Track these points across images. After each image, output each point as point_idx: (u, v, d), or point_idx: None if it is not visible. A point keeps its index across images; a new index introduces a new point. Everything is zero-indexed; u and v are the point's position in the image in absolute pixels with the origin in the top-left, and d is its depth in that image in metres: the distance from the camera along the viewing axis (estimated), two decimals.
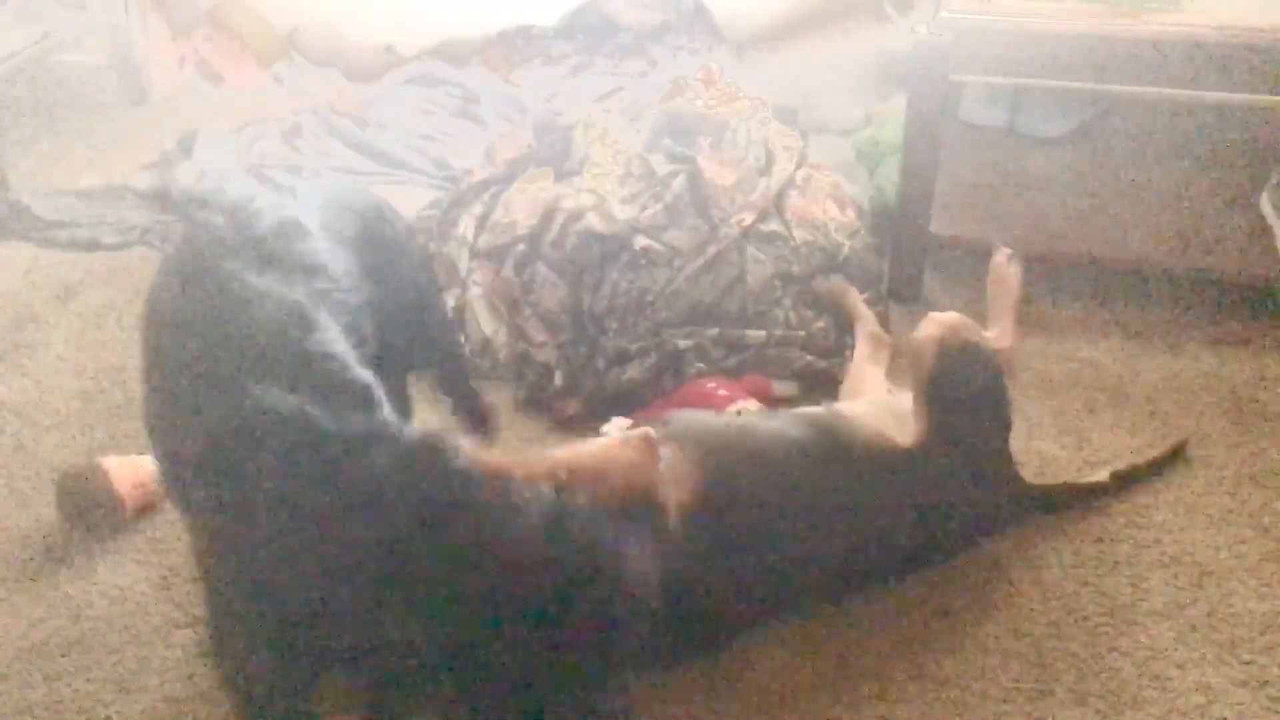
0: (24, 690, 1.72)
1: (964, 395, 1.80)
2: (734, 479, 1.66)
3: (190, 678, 1.72)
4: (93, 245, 2.89)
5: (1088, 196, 2.64)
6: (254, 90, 3.71)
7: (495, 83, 3.22)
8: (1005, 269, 2.19)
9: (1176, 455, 2.06)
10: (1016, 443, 1.93)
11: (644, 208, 2.34)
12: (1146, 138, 2.86)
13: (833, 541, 1.71)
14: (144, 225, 2.94)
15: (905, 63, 2.37)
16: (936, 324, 1.84)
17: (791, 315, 2.31)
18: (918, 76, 2.31)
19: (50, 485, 2.02)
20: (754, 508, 1.66)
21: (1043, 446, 2.10)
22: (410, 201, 2.60)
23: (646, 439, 1.57)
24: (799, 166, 2.54)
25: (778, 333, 2.26)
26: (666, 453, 1.63)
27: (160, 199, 3.03)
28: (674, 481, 1.61)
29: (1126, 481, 1.99)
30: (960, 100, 2.95)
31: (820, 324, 2.31)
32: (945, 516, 1.79)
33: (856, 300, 2.32)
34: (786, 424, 1.78)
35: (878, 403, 1.91)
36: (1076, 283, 2.55)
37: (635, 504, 1.53)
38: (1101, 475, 1.98)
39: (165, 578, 1.89)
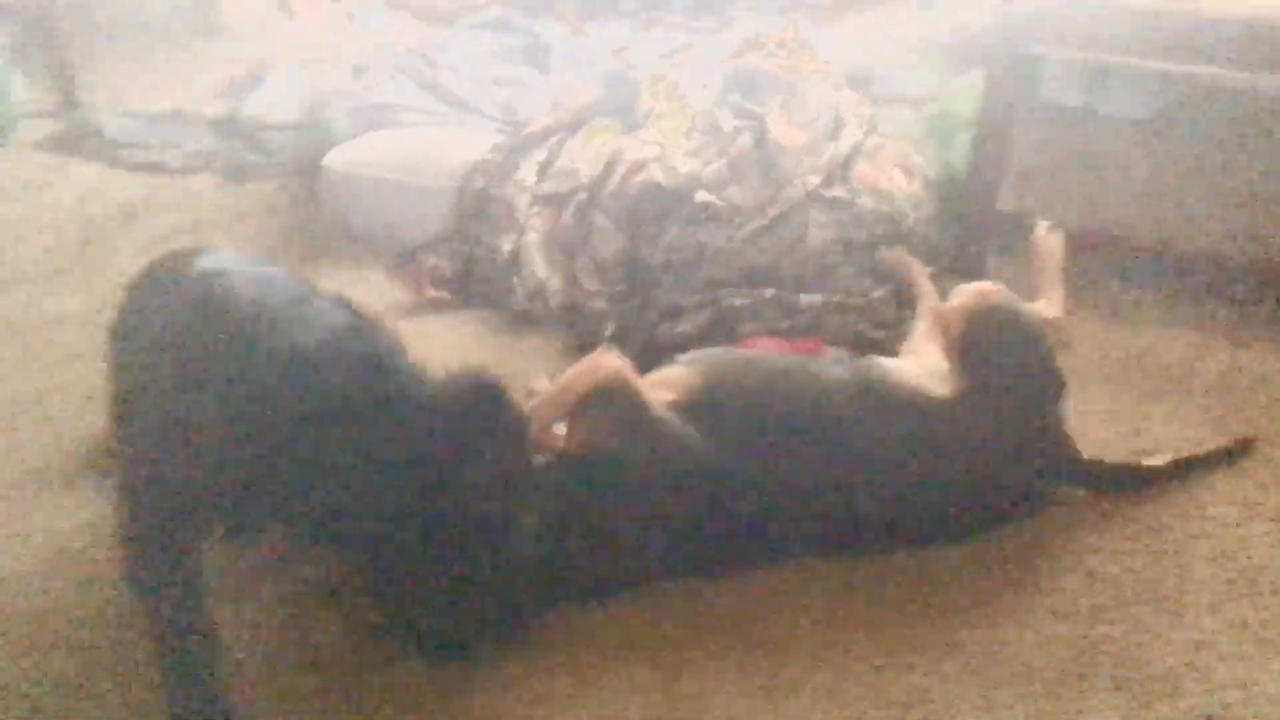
0: (71, 588, 1.74)
1: (997, 357, 1.81)
2: (737, 387, 1.76)
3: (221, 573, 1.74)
4: (158, 168, 2.92)
5: (1163, 183, 2.58)
6: (326, 27, 3.72)
7: (566, 33, 3.20)
8: (1046, 241, 2.17)
9: (1239, 451, 2.01)
10: (1071, 424, 1.90)
11: (707, 163, 2.32)
12: (1229, 127, 2.78)
13: (849, 467, 1.73)
14: (210, 151, 2.97)
15: (983, 36, 2.32)
16: (964, 293, 1.88)
17: (850, 282, 2.27)
18: (997, 48, 2.26)
19: (103, 395, 2.05)
20: (755, 408, 1.74)
21: (1096, 432, 2.05)
22: (474, 146, 2.60)
23: (610, 350, 1.78)
24: (869, 134, 2.50)
25: (835, 299, 2.22)
26: (680, 371, 1.78)
27: (227, 127, 3.05)
28: (670, 387, 1.75)
29: (1185, 470, 1.94)
30: (1039, 78, 2.89)
31: (879, 293, 2.27)
32: (980, 471, 1.77)
33: (919, 274, 2.27)
34: (813, 360, 1.86)
35: (921, 364, 1.90)
36: (1144, 269, 2.49)
37: (610, 397, 1.70)
38: (1160, 461, 1.94)
39: None
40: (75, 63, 3.19)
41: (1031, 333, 1.86)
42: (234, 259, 1.72)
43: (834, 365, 1.87)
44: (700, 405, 1.73)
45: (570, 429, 1.77)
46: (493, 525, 1.55)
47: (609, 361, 1.74)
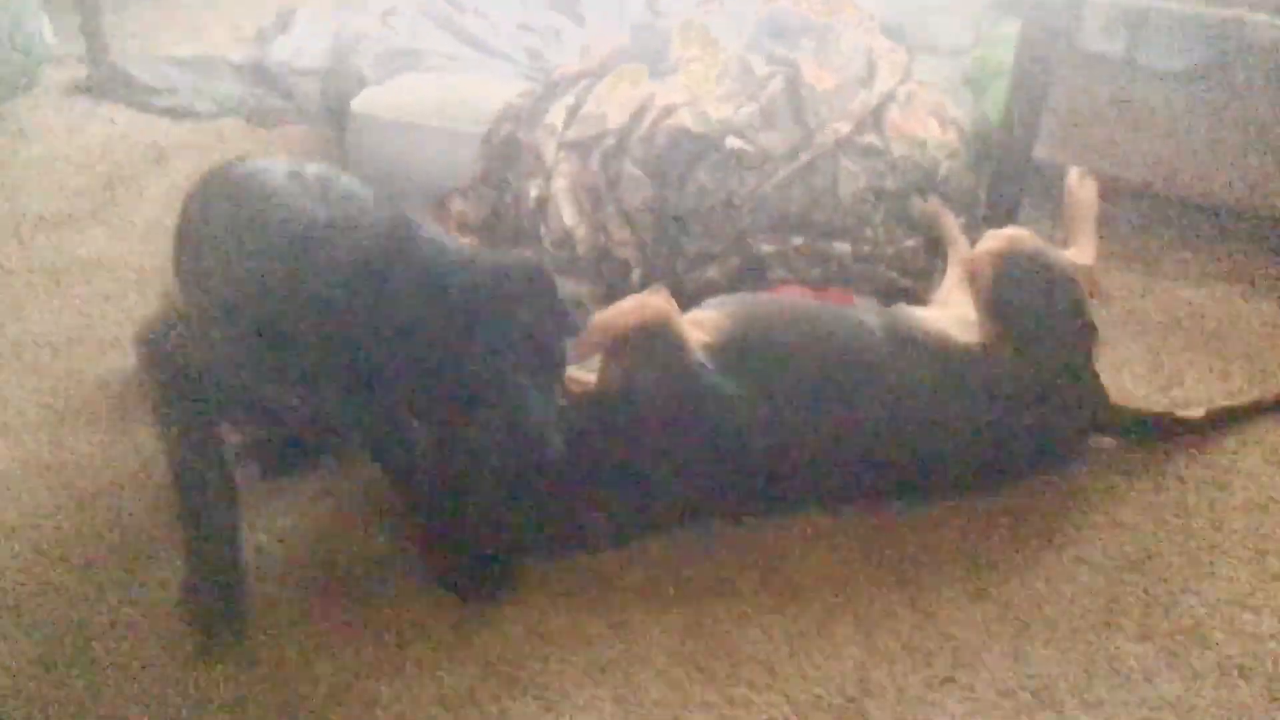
0: (93, 524, 1.76)
1: (1028, 303, 1.79)
2: (767, 329, 1.75)
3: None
4: (187, 112, 2.92)
5: (1204, 135, 2.52)
6: None
7: None
8: (1079, 187, 2.13)
9: (1277, 405, 1.97)
10: (1104, 376, 1.87)
11: (738, 108, 2.28)
12: (1272, 78, 2.71)
13: (884, 417, 1.72)
14: (238, 96, 2.95)
15: None
16: (996, 238, 1.86)
17: (881, 231, 2.24)
18: None
19: (131, 335, 2.05)
20: (785, 350, 1.73)
21: (1131, 384, 2.03)
22: (502, 91, 2.57)
23: (660, 290, 1.78)
24: (902, 82, 2.45)
25: (865, 247, 2.20)
26: (709, 313, 1.78)
27: (255, 72, 3.04)
28: (703, 327, 1.74)
29: (1222, 421, 1.92)
30: (1078, 26, 2.82)
31: (910, 243, 2.24)
32: (1015, 417, 1.75)
33: (952, 224, 2.24)
34: (845, 305, 1.85)
35: (949, 312, 1.89)
36: (1183, 222, 2.45)
37: (652, 337, 1.69)
38: (1197, 412, 1.91)
39: None
40: (103, 8, 3.17)
41: (1063, 279, 1.83)
42: (282, 163, 1.75)
43: (862, 311, 1.85)
44: (731, 349, 1.72)
45: (603, 366, 1.77)
46: (528, 405, 1.57)
47: (656, 301, 1.74)
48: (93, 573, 1.68)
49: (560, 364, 1.67)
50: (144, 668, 1.54)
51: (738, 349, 1.71)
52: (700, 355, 1.70)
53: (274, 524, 1.75)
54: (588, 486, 1.68)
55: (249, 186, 1.64)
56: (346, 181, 1.67)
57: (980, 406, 1.74)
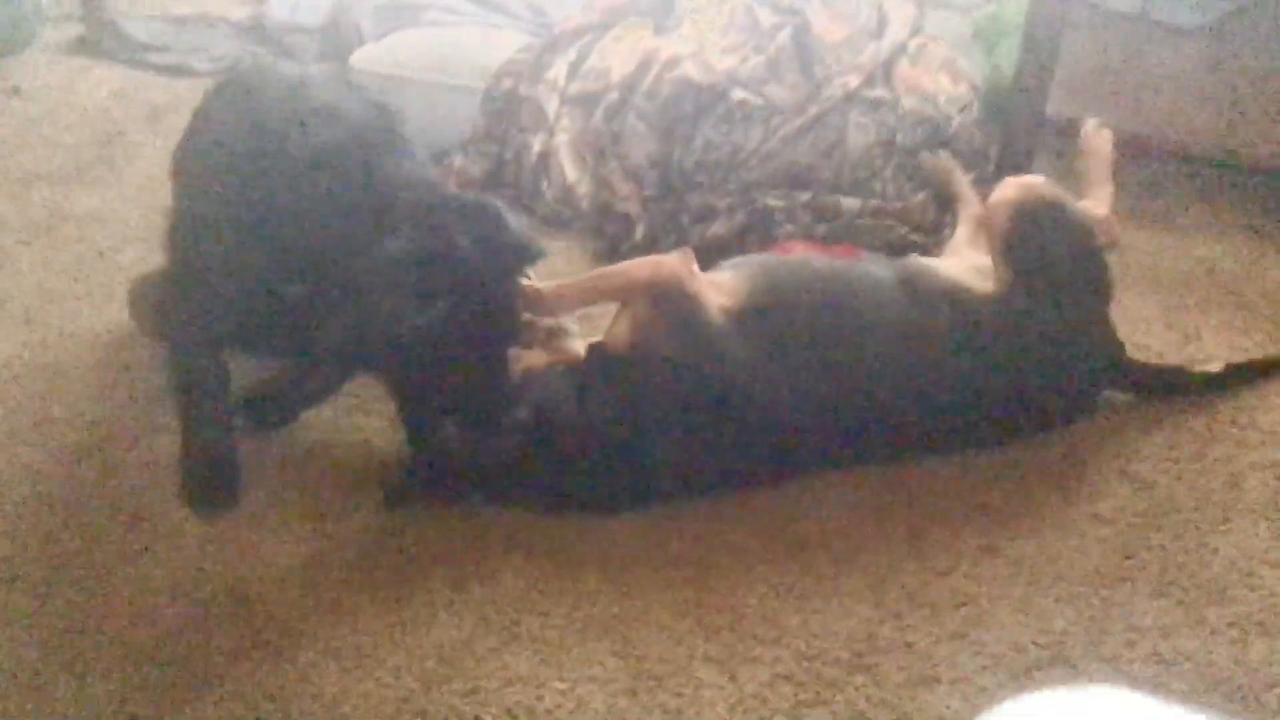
0: (85, 476, 1.72)
1: (1044, 252, 1.75)
2: (786, 291, 1.71)
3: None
4: (183, 70, 2.86)
5: (1220, 92, 2.46)
6: None
7: None
8: (1095, 138, 2.09)
9: None
10: (1121, 332, 1.83)
11: (744, 59, 2.23)
12: None
13: (902, 373, 1.68)
14: (235, 54, 2.90)
15: None
16: (1013, 186, 1.82)
17: (890, 187, 2.19)
18: None
19: (124, 291, 2.01)
20: (805, 314, 1.69)
21: (1149, 340, 1.98)
22: (503, 46, 2.52)
23: (683, 251, 1.72)
24: (913, 35, 2.40)
25: (874, 202, 2.15)
26: (726, 275, 1.72)
27: (254, 30, 2.99)
28: (720, 290, 1.68)
29: (1240, 376, 1.87)
30: None
31: (919, 198, 2.19)
32: (1030, 369, 1.71)
33: (962, 180, 2.19)
34: (863, 260, 1.81)
35: (963, 262, 1.84)
36: (1199, 178, 2.40)
37: (668, 295, 1.64)
38: (1214, 366, 1.87)
39: None
40: None
41: (1079, 228, 1.79)
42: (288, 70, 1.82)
43: (878, 265, 1.80)
44: (750, 312, 1.67)
45: (616, 326, 1.71)
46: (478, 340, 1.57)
47: (671, 260, 1.69)
48: (85, 525, 1.65)
49: (506, 307, 1.63)
50: (135, 623, 1.51)
51: (757, 312, 1.67)
52: (719, 318, 1.65)
53: (268, 479, 1.72)
54: (595, 445, 1.64)
55: (249, 91, 1.73)
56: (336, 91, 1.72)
57: (997, 355, 1.70)
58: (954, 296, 1.72)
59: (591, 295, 1.76)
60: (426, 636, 1.49)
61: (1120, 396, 1.85)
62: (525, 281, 1.71)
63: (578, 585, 1.56)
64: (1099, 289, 1.78)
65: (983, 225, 1.83)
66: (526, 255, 1.65)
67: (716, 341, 1.64)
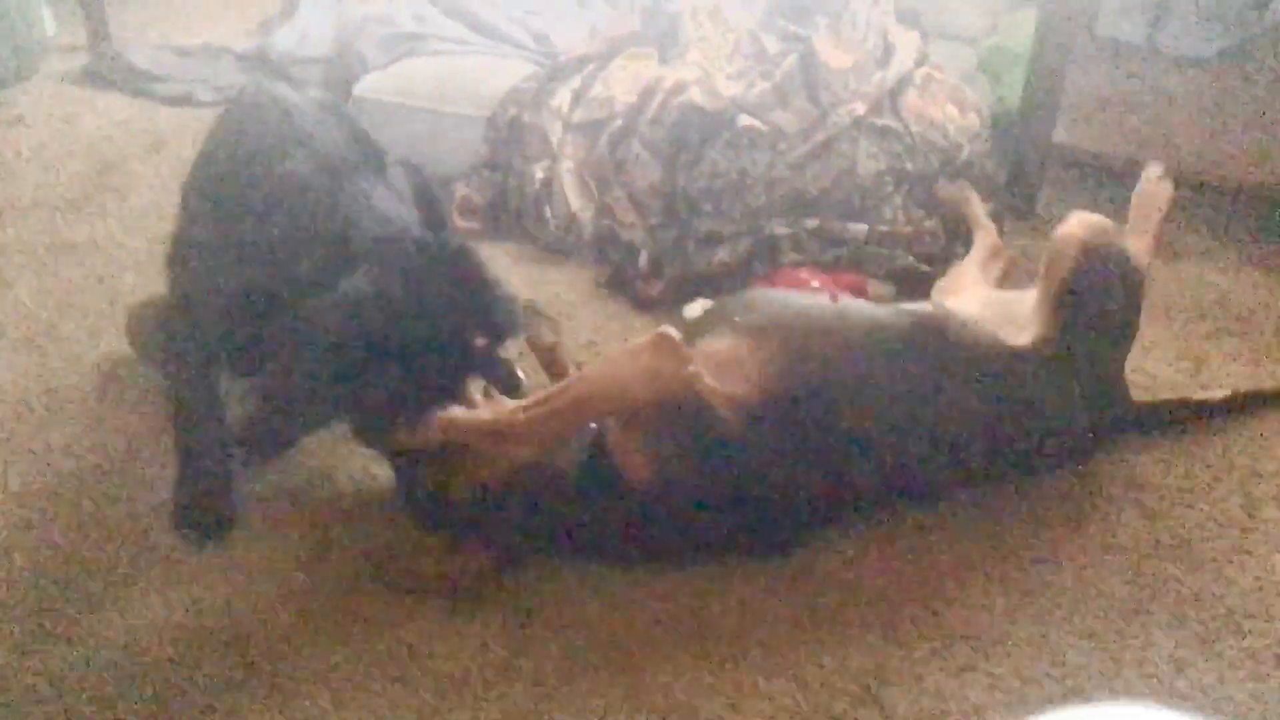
0: (78, 503, 1.69)
1: (1098, 303, 1.65)
2: (813, 371, 1.55)
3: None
4: (187, 100, 2.86)
5: (1229, 121, 2.45)
6: None
7: None
8: (1155, 186, 1.95)
9: None
10: (1131, 361, 1.80)
11: (751, 85, 2.22)
12: None
13: (929, 449, 1.62)
14: (240, 85, 2.89)
15: None
16: (1083, 224, 1.68)
17: (901, 214, 2.17)
18: None
19: (123, 318, 1.99)
20: (837, 405, 1.55)
21: (1157, 368, 1.95)
22: (507, 74, 2.51)
23: (663, 339, 1.48)
24: (919, 64, 2.39)
25: (882, 228, 2.12)
26: (726, 342, 1.57)
27: (259, 61, 2.99)
28: (723, 368, 1.53)
29: (1248, 402, 1.84)
30: (1097, 13, 2.76)
31: (929, 225, 2.17)
32: (1052, 425, 1.67)
33: (978, 206, 2.16)
34: (888, 314, 1.67)
35: (992, 302, 1.78)
36: (1209, 209, 2.38)
37: (677, 406, 1.47)
38: (1219, 393, 1.83)
39: None
40: None
41: (1137, 280, 1.70)
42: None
43: (899, 316, 1.66)
44: (761, 401, 1.51)
45: (631, 452, 1.51)
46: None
47: (664, 361, 1.47)
48: (78, 553, 1.62)
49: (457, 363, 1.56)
50: (128, 650, 1.48)
51: (769, 400, 1.52)
52: (734, 420, 1.49)
53: (265, 506, 1.69)
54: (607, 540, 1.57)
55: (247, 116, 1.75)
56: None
57: (1023, 411, 1.64)
58: (987, 355, 1.62)
59: (574, 418, 1.50)
60: (423, 668, 1.46)
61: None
62: (470, 416, 1.52)
63: (578, 616, 1.52)
64: (1129, 340, 1.72)
65: (1047, 259, 1.69)
66: (498, 314, 1.55)
67: (735, 450, 1.50)
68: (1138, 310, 1.73)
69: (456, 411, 1.50)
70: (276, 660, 1.46)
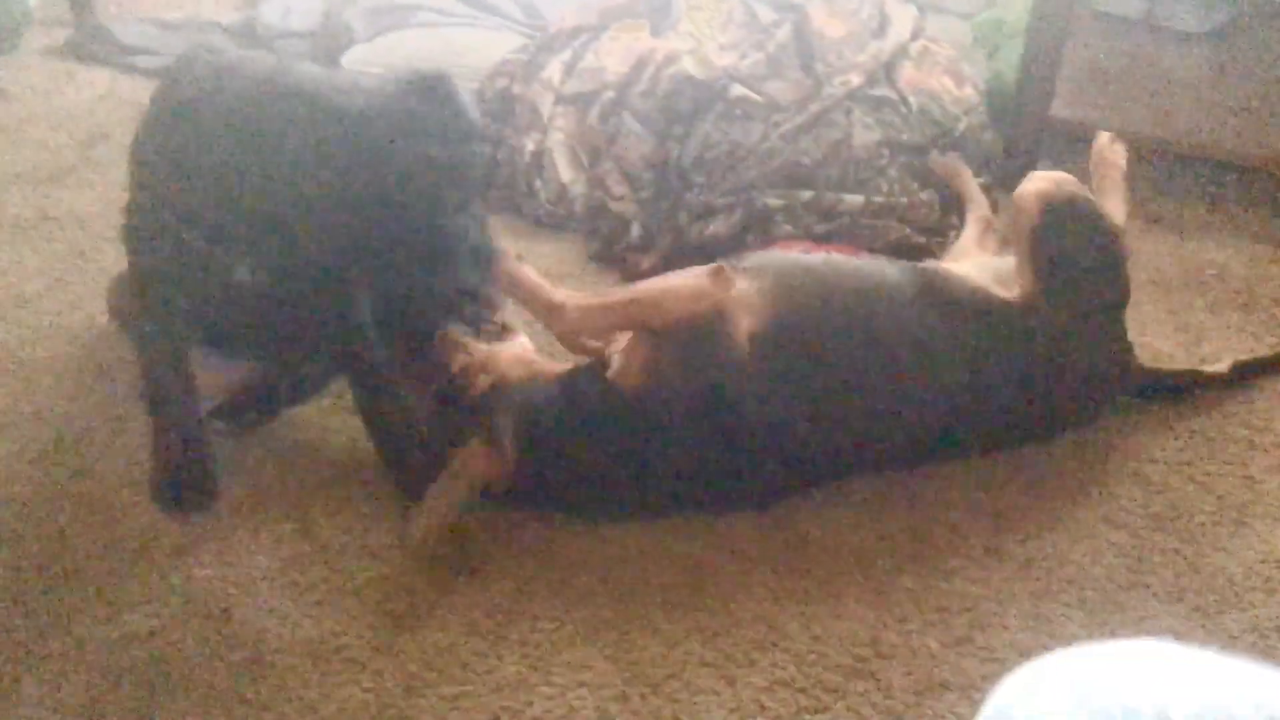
0: (59, 476, 1.66)
1: (1071, 252, 1.65)
2: (813, 311, 1.57)
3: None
4: None
5: (1227, 95, 2.43)
6: None
7: None
8: (1108, 150, 1.97)
9: None
10: (1130, 335, 1.77)
11: (744, 55, 2.18)
12: None
13: (924, 391, 1.59)
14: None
15: None
16: (1042, 179, 1.71)
17: (896, 186, 2.14)
18: None
19: (103, 290, 1.95)
20: (833, 342, 1.56)
21: (1157, 343, 1.93)
22: (496, 46, 2.47)
23: (720, 269, 1.54)
24: (916, 38, 2.36)
25: (877, 199, 2.09)
26: (742, 284, 1.57)
27: (244, 34, 2.94)
28: (748, 310, 1.54)
29: (1247, 372, 1.82)
30: None
31: (924, 197, 2.14)
32: (1050, 378, 1.64)
33: (970, 181, 2.13)
34: (882, 264, 1.68)
35: (982, 264, 1.77)
36: (1207, 182, 2.35)
37: (700, 326, 1.51)
38: (1221, 366, 1.81)
39: None
40: None
41: (1106, 229, 1.70)
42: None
43: (896, 270, 1.66)
44: (772, 335, 1.54)
45: (633, 352, 1.56)
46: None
47: (719, 289, 1.53)
48: (55, 525, 1.58)
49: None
50: (106, 624, 1.44)
51: (779, 332, 1.54)
52: (745, 346, 1.53)
53: (248, 478, 1.65)
54: (589, 470, 1.57)
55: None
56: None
57: (1020, 365, 1.62)
58: (977, 305, 1.63)
59: (623, 322, 1.59)
60: (410, 640, 1.43)
61: (1130, 400, 1.79)
62: (534, 280, 1.63)
63: (568, 587, 1.50)
64: (1120, 296, 1.70)
65: (1013, 219, 1.72)
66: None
67: (741, 376, 1.52)
68: (1118, 262, 1.71)
69: (524, 270, 1.65)
70: (260, 633, 1.44)
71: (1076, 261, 1.65)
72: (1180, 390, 1.80)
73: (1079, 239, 1.66)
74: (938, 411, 1.60)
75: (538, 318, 1.66)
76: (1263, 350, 1.91)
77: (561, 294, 1.63)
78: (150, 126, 1.71)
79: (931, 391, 1.58)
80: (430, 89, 1.57)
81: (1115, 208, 1.89)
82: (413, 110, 1.56)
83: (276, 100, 1.58)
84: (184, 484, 1.57)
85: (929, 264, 1.74)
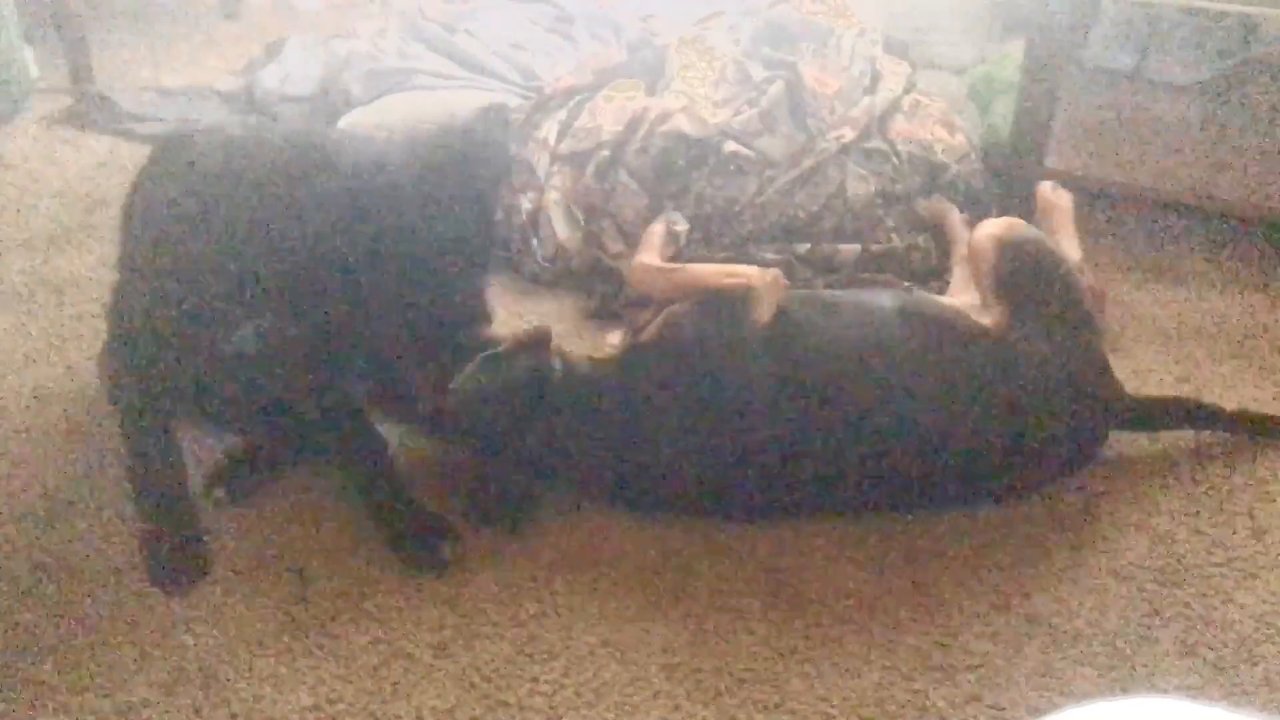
0: (50, 544, 1.64)
1: (1034, 288, 1.71)
2: (807, 318, 1.67)
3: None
4: None
5: (1218, 146, 2.44)
6: (347, 7, 3.65)
7: (592, 5, 3.10)
8: (1052, 195, 2.07)
9: None
10: (1129, 385, 1.77)
11: (737, 112, 2.20)
12: None
13: (909, 407, 1.61)
14: (225, 124, 2.87)
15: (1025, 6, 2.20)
16: (994, 225, 1.80)
17: (894, 235, 2.14)
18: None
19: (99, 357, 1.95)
20: (820, 335, 1.65)
21: (1160, 393, 1.91)
22: None
23: (767, 271, 1.70)
24: (908, 92, 2.37)
25: (875, 246, 2.09)
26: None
27: (244, 100, 2.97)
28: (769, 302, 1.66)
29: (1250, 427, 1.80)
30: (1085, 43, 2.76)
31: (920, 242, 2.14)
32: (1033, 409, 1.63)
33: (957, 223, 2.14)
34: (873, 293, 1.78)
35: (964, 297, 1.81)
36: (1204, 233, 2.36)
37: (730, 301, 1.64)
38: (1226, 405, 1.80)
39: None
40: (91, 42, 3.11)
41: (1062, 267, 1.77)
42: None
43: (884, 297, 1.74)
44: (777, 330, 1.64)
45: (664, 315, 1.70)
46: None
47: (761, 277, 1.67)
48: (46, 595, 1.56)
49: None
50: (100, 695, 1.42)
51: (783, 332, 1.64)
52: (757, 327, 1.63)
53: (241, 543, 1.64)
54: (605, 433, 1.63)
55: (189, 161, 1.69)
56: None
57: (1003, 391, 1.63)
58: (955, 324, 1.67)
59: (672, 287, 1.75)
60: (406, 705, 1.40)
61: (1132, 449, 1.78)
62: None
63: (568, 648, 1.47)
64: (1089, 325, 1.73)
65: (969, 260, 1.80)
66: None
67: (746, 350, 1.62)
68: (1077, 292, 1.74)
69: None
70: (254, 701, 1.41)
71: (1040, 292, 1.71)
72: (1181, 419, 1.80)
73: (1038, 271, 1.73)
74: (923, 433, 1.60)
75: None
76: (1261, 397, 1.90)
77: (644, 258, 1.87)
78: (143, 196, 1.74)
79: (918, 412, 1.60)
80: (444, 145, 1.59)
81: (1068, 246, 1.96)
82: (416, 170, 1.56)
83: (270, 166, 1.59)
84: (173, 557, 1.57)
85: (910, 292, 1.84)
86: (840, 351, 1.63)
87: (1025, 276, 1.71)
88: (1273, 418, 1.82)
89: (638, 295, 1.89)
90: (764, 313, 1.64)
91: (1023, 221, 1.82)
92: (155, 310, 1.61)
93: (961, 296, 1.83)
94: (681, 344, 1.64)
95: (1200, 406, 1.80)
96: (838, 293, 1.81)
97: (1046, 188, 2.09)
